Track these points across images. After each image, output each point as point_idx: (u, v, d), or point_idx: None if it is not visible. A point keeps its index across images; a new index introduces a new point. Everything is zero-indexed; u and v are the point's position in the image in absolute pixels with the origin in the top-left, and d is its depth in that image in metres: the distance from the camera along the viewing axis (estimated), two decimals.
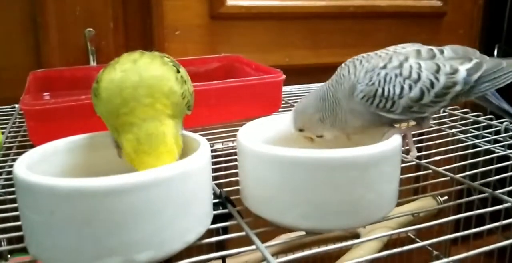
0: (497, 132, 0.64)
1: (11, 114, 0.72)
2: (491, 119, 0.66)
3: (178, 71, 0.42)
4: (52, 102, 0.57)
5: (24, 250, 0.37)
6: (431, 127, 0.65)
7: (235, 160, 0.50)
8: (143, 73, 0.39)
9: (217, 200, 0.45)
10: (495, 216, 0.47)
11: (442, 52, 0.45)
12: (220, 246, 0.44)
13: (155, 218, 0.33)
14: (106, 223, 0.32)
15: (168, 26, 0.90)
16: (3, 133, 0.62)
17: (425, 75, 0.43)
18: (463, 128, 0.66)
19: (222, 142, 0.63)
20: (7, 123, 0.68)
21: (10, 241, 0.41)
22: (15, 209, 0.38)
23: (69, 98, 0.56)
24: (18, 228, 0.39)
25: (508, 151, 0.58)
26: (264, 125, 0.48)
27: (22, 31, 0.84)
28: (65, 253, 0.33)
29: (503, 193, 0.46)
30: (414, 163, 0.53)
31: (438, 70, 0.43)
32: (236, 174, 0.46)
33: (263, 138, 0.45)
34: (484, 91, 0.46)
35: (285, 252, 0.72)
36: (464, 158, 0.58)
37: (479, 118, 0.68)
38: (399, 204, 0.43)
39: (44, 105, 0.56)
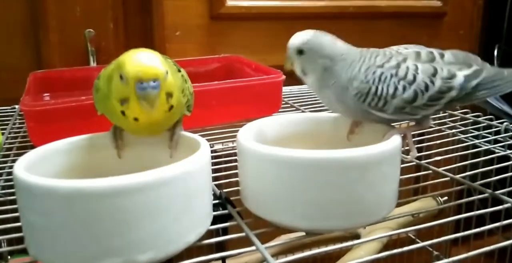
0: (497, 132, 0.64)
1: (11, 115, 0.72)
2: (491, 120, 0.66)
3: (179, 71, 0.42)
4: (52, 103, 0.57)
5: (24, 251, 0.37)
6: (431, 127, 0.65)
7: (235, 161, 0.50)
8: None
9: (217, 201, 0.45)
10: (495, 217, 0.47)
11: (442, 56, 0.45)
12: (220, 246, 0.44)
13: (155, 219, 0.33)
14: (106, 224, 0.32)
15: (168, 27, 0.90)
16: (3, 133, 0.62)
17: (420, 78, 0.43)
18: (463, 128, 0.66)
19: (222, 143, 0.63)
20: (7, 124, 0.68)
21: (10, 242, 0.41)
22: (15, 210, 0.38)
23: (69, 99, 0.56)
24: (18, 229, 0.39)
25: (508, 151, 0.58)
26: (264, 126, 0.48)
27: (22, 31, 0.84)
28: (65, 254, 0.33)
29: (503, 194, 0.46)
30: (414, 163, 0.53)
31: (434, 74, 0.43)
32: (236, 175, 0.46)
33: (263, 139, 0.45)
34: (481, 98, 0.46)
35: (285, 253, 0.72)
36: (464, 158, 0.58)
37: (479, 119, 0.68)
38: (399, 205, 0.43)
39: (44, 106, 0.56)
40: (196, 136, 0.42)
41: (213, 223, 0.40)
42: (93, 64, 0.87)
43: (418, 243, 0.43)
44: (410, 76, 0.43)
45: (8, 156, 0.58)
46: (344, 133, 0.48)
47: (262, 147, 0.39)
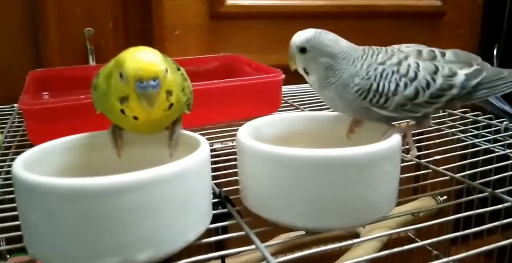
0: (497, 131, 0.64)
1: (10, 114, 0.72)
2: (490, 119, 0.66)
3: (179, 69, 0.42)
4: (51, 102, 0.57)
5: (23, 250, 0.37)
6: (431, 127, 0.65)
7: (235, 160, 0.50)
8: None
9: (216, 200, 0.45)
10: (494, 216, 0.47)
11: (443, 55, 0.45)
12: (220, 245, 0.44)
13: (154, 218, 0.33)
14: (105, 223, 0.32)
15: (168, 26, 0.90)
16: (2, 132, 0.61)
17: (422, 75, 0.43)
18: (463, 127, 0.66)
19: (222, 142, 0.63)
20: (6, 123, 0.68)
21: (9, 241, 0.41)
22: (14, 209, 0.38)
23: (68, 98, 0.56)
24: (17, 228, 0.38)
25: (508, 150, 0.58)
26: (264, 124, 0.48)
27: (22, 30, 0.84)
28: (64, 252, 0.33)
29: (502, 193, 0.46)
30: (413, 162, 0.53)
31: (436, 71, 0.43)
32: (235, 174, 0.46)
33: (262, 137, 0.45)
34: (481, 98, 0.46)
35: (284, 251, 0.72)
36: (463, 157, 0.58)
37: (479, 118, 0.68)
38: (398, 204, 0.43)
39: (43, 105, 0.56)
40: (195, 135, 0.42)
41: (212, 222, 0.40)
42: (92, 63, 0.86)
43: (417, 242, 0.43)
44: (411, 74, 0.43)
45: (7, 154, 0.58)
46: (344, 132, 0.48)
47: (262, 146, 0.39)
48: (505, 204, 0.44)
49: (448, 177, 0.51)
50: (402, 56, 0.44)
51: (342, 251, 0.73)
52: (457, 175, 0.51)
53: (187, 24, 0.91)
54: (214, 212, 0.42)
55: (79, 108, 0.55)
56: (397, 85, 0.43)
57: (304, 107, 0.74)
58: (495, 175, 0.52)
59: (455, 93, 0.44)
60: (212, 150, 0.53)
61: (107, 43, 0.88)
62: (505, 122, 0.64)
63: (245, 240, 0.39)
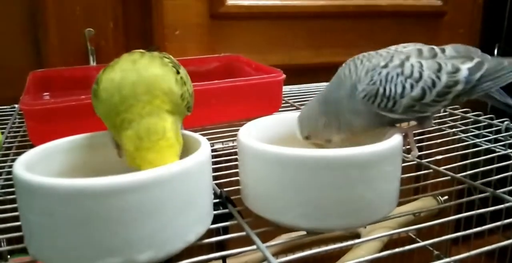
0: (498, 131, 0.64)
1: (11, 114, 0.72)
2: (491, 119, 0.66)
3: (178, 73, 0.42)
4: (52, 102, 0.57)
5: (24, 251, 0.37)
6: (432, 127, 0.65)
7: (236, 160, 0.50)
8: (143, 73, 0.39)
9: (217, 200, 0.44)
10: (496, 216, 0.47)
11: (443, 51, 0.45)
12: (221, 246, 0.44)
13: (155, 218, 0.33)
14: (106, 223, 0.32)
15: (168, 26, 0.90)
16: (2, 133, 0.61)
17: (426, 74, 0.43)
18: (464, 127, 0.66)
19: (222, 142, 0.63)
20: (6, 124, 0.68)
21: (9, 241, 0.41)
22: (15, 209, 0.38)
23: (68, 98, 0.56)
24: (17, 229, 0.38)
25: (509, 150, 0.58)
26: (265, 124, 0.48)
27: (22, 30, 0.84)
28: (65, 253, 0.33)
29: (504, 193, 0.46)
30: (414, 162, 0.53)
31: (439, 69, 0.43)
32: (236, 174, 0.46)
33: (263, 137, 0.45)
34: (486, 90, 0.45)
35: (285, 252, 0.72)
36: (464, 157, 0.58)
37: (480, 118, 0.67)
38: (399, 204, 0.43)
39: (44, 105, 0.56)
40: (196, 135, 0.42)
41: (213, 222, 0.40)
42: (92, 63, 0.86)
43: (418, 242, 0.43)
44: (416, 74, 0.43)
45: (7, 155, 0.57)
46: None
47: (263, 146, 0.39)
48: (506, 204, 0.44)
49: (449, 177, 0.51)
50: (403, 57, 0.44)
51: (343, 252, 0.73)
52: (458, 175, 0.50)
53: (187, 24, 0.91)
54: (215, 212, 0.42)
55: (80, 109, 0.55)
56: (404, 87, 0.43)
57: None
58: (496, 175, 0.52)
59: (461, 89, 0.44)
60: (213, 150, 0.53)
61: (107, 43, 0.88)
62: (506, 122, 0.64)
63: (246, 241, 0.39)
